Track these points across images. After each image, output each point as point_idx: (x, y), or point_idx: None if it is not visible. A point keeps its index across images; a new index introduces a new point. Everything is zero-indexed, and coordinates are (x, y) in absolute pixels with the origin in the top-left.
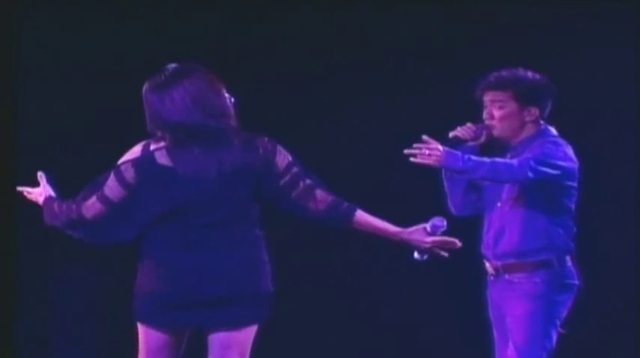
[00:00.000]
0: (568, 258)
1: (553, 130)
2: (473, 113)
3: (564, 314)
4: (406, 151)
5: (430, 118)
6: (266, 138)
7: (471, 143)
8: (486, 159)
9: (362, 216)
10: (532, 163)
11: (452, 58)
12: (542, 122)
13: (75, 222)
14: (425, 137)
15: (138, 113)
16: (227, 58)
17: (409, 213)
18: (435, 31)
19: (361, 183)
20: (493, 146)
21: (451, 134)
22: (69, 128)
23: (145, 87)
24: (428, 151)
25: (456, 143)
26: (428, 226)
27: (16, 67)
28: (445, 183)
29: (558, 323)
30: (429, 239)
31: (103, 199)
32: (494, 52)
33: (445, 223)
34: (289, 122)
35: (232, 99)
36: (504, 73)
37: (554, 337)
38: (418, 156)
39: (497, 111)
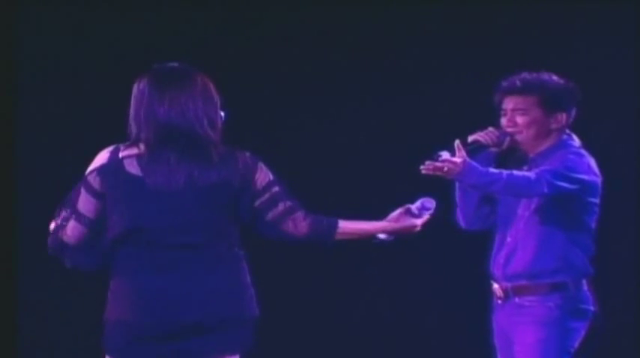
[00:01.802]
0: (584, 281)
1: (576, 140)
2: (479, 114)
3: (577, 343)
4: (424, 169)
5: (434, 119)
6: (247, 154)
7: (492, 149)
8: (503, 172)
9: (345, 225)
10: (549, 176)
11: (451, 59)
12: (567, 131)
13: (60, 249)
14: (444, 154)
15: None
16: (227, 58)
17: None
18: (434, 31)
19: (362, 184)
20: (509, 156)
21: (471, 138)
22: (69, 128)
23: (144, 82)
24: (447, 168)
25: (476, 148)
26: (414, 208)
27: (16, 67)
28: (457, 194)
29: (572, 352)
30: (420, 222)
31: (80, 218)
32: (493, 52)
33: (434, 204)
34: (288, 122)
35: (223, 114)
36: (527, 76)
37: None
38: (434, 169)
39: (520, 117)
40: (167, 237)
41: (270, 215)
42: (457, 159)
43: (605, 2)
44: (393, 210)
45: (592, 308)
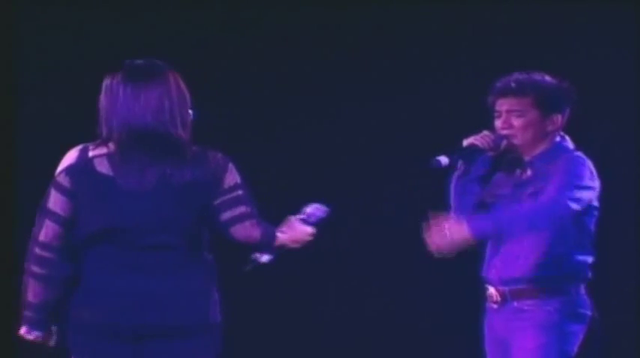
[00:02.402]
0: (583, 286)
1: (570, 142)
2: (479, 114)
3: (576, 347)
4: (428, 244)
5: (432, 120)
6: (219, 154)
7: (488, 153)
8: (517, 209)
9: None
10: (570, 193)
11: (450, 59)
12: (560, 132)
13: (38, 258)
14: (442, 159)
15: None
16: (227, 58)
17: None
18: (433, 31)
19: (361, 183)
20: (502, 159)
21: (467, 142)
22: (69, 128)
23: (116, 80)
24: (448, 231)
25: (472, 152)
26: (304, 215)
27: (16, 67)
28: (453, 198)
29: (571, 357)
30: (310, 230)
31: (53, 217)
32: (492, 53)
33: (325, 211)
34: (288, 122)
35: (191, 113)
36: (521, 77)
37: None
38: (435, 238)
39: (516, 119)
40: (139, 238)
41: (228, 215)
42: (455, 224)
43: (605, 2)
44: (390, 209)
45: (589, 312)
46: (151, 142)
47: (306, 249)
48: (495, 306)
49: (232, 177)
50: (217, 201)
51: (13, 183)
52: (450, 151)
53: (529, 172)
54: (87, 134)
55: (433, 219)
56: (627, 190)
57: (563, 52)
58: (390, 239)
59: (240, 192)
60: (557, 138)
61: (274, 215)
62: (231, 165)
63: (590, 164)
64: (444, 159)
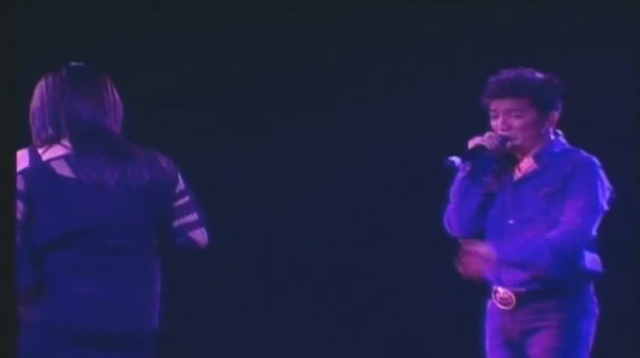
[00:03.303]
0: (592, 284)
1: (562, 136)
2: (478, 114)
3: (591, 344)
4: (461, 269)
5: (434, 120)
6: (167, 157)
7: (493, 154)
8: (543, 238)
9: None
10: (593, 218)
11: (450, 59)
12: (555, 128)
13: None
14: (455, 159)
15: (137, 112)
16: (227, 58)
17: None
18: (432, 31)
19: (361, 183)
20: (499, 161)
21: (473, 143)
22: None
23: (58, 81)
24: (478, 257)
25: (479, 153)
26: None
27: (16, 67)
28: (455, 200)
29: (588, 354)
30: None
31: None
32: (492, 52)
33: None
34: (288, 122)
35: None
36: (512, 76)
37: None
38: (468, 264)
39: (515, 120)
40: (103, 240)
41: (182, 221)
42: (481, 249)
43: (605, 2)
44: (390, 209)
45: (597, 310)
46: (104, 142)
47: (306, 248)
48: (508, 308)
49: (181, 181)
50: (172, 205)
51: (14, 183)
52: (456, 152)
53: (534, 165)
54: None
55: (465, 246)
56: (628, 190)
57: (563, 52)
58: (389, 239)
59: (188, 197)
60: (552, 136)
61: (274, 214)
62: (178, 169)
63: (601, 171)
64: (457, 160)
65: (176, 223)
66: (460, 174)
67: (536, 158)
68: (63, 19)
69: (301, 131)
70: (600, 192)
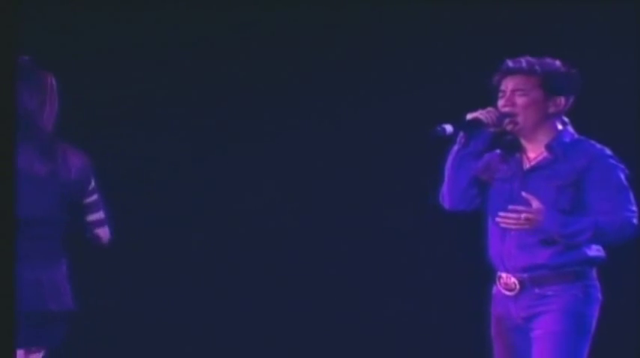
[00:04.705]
0: (595, 269)
1: (570, 125)
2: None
3: (593, 328)
4: (500, 220)
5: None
6: (81, 152)
7: (491, 129)
8: (590, 220)
9: None
10: (630, 204)
11: (449, 57)
12: (563, 117)
13: None
14: (447, 127)
15: (137, 112)
16: (227, 58)
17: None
18: (432, 30)
19: (359, 183)
20: (499, 139)
21: (470, 116)
22: (69, 127)
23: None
24: (525, 216)
25: (475, 126)
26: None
27: (16, 67)
28: (448, 172)
29: (590, 337)
30: None
31: None
32: (492, 51)
33: None
34: (287, 122)
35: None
36: (531, 58)
37: (586, 351)
38: (511, 222)
39: (519, 98)
40: (27, 228)
41: (91, 218)
42: (535, 207)
43: (605, 2)
44: (389, 209)
45: (601, 296)
46: (37, 136)
47: (306, 248)
48: (512, 293)
49: (93, 179)
50: (86, 201)
51: (14, 183)
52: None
53: (546, 155)
54: (86, 132)
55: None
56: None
57: (563, 52)
58: (389, 238)
59: (97, 195)
60: (561, 126)
61: (275, 214)
62: (92, 168)
63: (614, 159)
64: (448, 128)
65: (93, 217)
66: (455, 147)
67: (548, 148)
68: (63, 19)
69: (301, 131)
70: (618, 175)
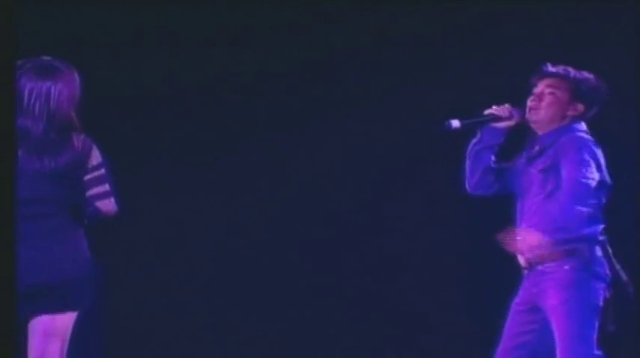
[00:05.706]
0: (598, 247)
1: (583, 126)
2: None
3: (601, 301)
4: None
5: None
6: (82, 136)
7: (505, 123)
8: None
9: None
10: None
11: (449, 58)
12: (583, 124)
13: None
14: (454, 122)
15: (137, 112)
16: (227, 58)
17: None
18: (432, 30)
19: (359, 182)
20: (516, 134)
21: (487, 111)
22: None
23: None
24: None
25: (486, 119)
26: None
27: (16, 67)
28: (467, 162)
29: (597, 309)
30: None
31: None
32: (492, 52)
33: None
34: (287, 122)
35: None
36: (570, 68)
37: (595, 325)
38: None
39: (548, 96)
40: (25, 208)
41: (92, 192)
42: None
43: (606, 2)
44: (389, 208)
45: (607, 271)
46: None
47: (306, 248)
48: (526, 272)
49: (95, 156)
50: (84, 178)
51: (14, 184)
52: (456, 152)
53: (537, 147)
54: (87, 131)
55: (502, 236)
56: (628, 190)
57: (563, 52)
58: (388, 238)
59: (102, 170)
60: (569, 122)
61: (275, 214)
62: (94, 146)
63: (589, 143)
64: (455, 123)
65: (92, 191)
66: (472, 140)
67: (544, 135)
68: (63, 19)
69: (301, 131)
70: (585, 158)
